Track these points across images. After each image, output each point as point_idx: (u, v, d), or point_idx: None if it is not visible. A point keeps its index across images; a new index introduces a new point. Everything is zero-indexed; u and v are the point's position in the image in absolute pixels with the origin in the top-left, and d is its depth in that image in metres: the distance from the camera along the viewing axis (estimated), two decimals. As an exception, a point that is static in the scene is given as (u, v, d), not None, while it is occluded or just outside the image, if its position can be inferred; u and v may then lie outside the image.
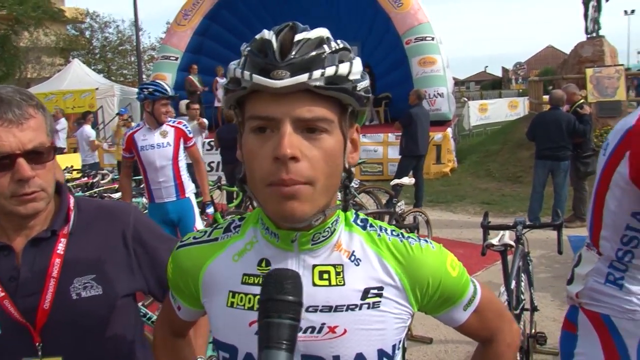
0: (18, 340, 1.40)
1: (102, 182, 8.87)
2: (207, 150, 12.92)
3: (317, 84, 0.99)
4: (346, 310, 1.10)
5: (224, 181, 8.73)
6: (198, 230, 1.28)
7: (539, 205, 8.36)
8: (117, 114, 13.87)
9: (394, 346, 1.14)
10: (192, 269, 1.21)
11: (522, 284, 3.92)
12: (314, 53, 1.00)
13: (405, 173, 8.91)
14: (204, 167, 5.45)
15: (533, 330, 4.17)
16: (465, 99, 26.27)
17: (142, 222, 1.61)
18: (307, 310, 1.07)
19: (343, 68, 1.02)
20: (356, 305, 1.11)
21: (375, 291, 1.12)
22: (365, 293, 1.12)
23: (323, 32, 1.05)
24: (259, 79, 0.99)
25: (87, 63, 29.34)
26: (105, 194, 7.62)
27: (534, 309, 4.29)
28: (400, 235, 1.19)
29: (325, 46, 1.02)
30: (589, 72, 12.63)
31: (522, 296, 3.82)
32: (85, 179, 9.13)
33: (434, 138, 12.69)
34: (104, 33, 37.25)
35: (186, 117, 10.13)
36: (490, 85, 52.38)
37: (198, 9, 17.37)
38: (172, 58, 17.31)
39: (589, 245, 2.05)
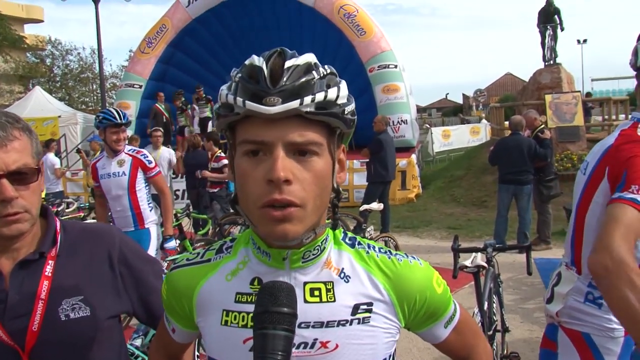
0: None
1: (67, 210, 8.73)
2: (172, 177, 12.79)
3: (308, 109, 1.03)
4: (337, 325, 1.13)
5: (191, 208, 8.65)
6: (191, 252, 1.30)
7: (504, 229, 8.51)
8: (89, 140, 13.73)
9: None
10: (186, 289, 1.23)
11: (494, 305, 3.98)
12: (303, 79, 1.04)
13: (373, 199, 8.93)
14: (169, 199, 5.30)
15: (506, 351, 4.22)
16: (428, 126, 26.65)
17: (127, 244, 1.61)
18: (299, 326, 1.09)
19: (332, 93, 1.06)
20: (347, 321, 1.14)
21: (365, 307, 1.15)
22: (355, 309, 1.15)
23: (310, 57, 1.08)
24: (252, 105, 1.02)
25: (48, 91, 28.90)
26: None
27: (505, 329, 4.35)
28: (389, 252, 1.23)
29: (314, 72, 1.06)
30: (548, 98, 13.04)
31: (494, 317, 3.88)
32: (51, 207, 8.92)
33: (399, 164, 12.83)
34: (65, 60, 36.85)
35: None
36: (451, 112, 53.28)
37: (162, 37, 17.33)
38: (135, 86, 17.19)
39: (568, 264, 2.11)
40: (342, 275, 1.17)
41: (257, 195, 1.04)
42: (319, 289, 1.15)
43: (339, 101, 1.07)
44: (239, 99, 1.03)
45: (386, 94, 15.02)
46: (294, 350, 1.08)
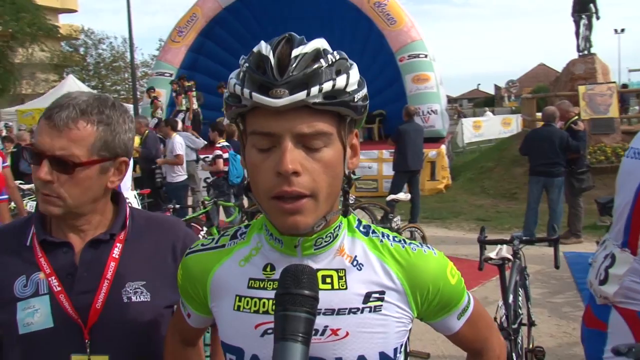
0: (69, 335, 1.43)
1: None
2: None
3: (315, 100, 1.01)
4: (348, 313, 1.13)
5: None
6: (206, 238, 1.31)
7: (534, 222, 8.37)
8: None
9: (395, 349, 1.17)
10: (201, 274, 1.24)
11: (520, 298, 3.92)
12: (311, 69, 1.02)
13: (398, 189, 8.92)
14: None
15: (531, 345, 4.16)
16: (462, 114, 26.29)
17: (191, 238, 1.63)
18: None
19: (340, 81, 1.03)
20: (358, 309, 1.13)
21: (377, 295, 1.15)
22: (367, 297, 1.14)
23: (319, 43, 1.06)
24: (258, 97, 1.01)
25: (81, 79, 29.39)
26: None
27: (531, 323, 4.28)
28: (403, 242, 1.21)
29: (322, 60, 1.03)
30: (582, 89, 12.73)
31: (519, 311, 3.81)
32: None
33: (428, 155, 12.72)
34: (98, 50, 37.41)
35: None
36: (483, 102, 52.66)
37: (193, 26, 17.45)
38: (166, 74, 17.34)
39: (621, 246, 2.13)
40: (355, 263, 1.17)
41: (267, 186, 1.04)
42: (331, 276, 1.15)
43: (349, 88, 1.05)
44: (246, 91, 1.03)
45: (416, 84, 14.90)
46: None
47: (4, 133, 16.26)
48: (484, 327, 1.35)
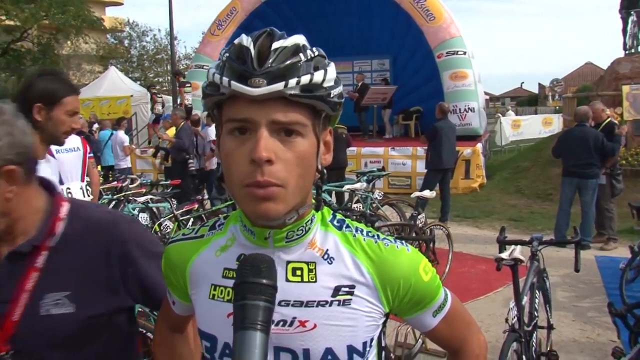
0: None
1: (130, 186, 9.06)
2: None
3: (293, 92, 1.03)
4: (317, 306, 1.14)
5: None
6: (187, 228, 1.34)
7: (566, 223, 8.17)
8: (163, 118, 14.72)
9: (364, 343, 1.17)
10: (181, 263, 1.28)
11: (537, 300, 3.84)
12: (289, 61, 1.04)
13: (430, 186, 8.82)
14: None
15: (548, 349, 4.08)
16: (510, 110, 25.68)
17: (134, 237, 1.56)
18: (279, 304, 1.11)
19: (317, 76, 1.06)
20: (327, 302, 1.14)
21: (347, 289, 1.15)
22: (337, 290, 1.15)
23: (299, 39, 1.09)
24: (237, 85, 1.03)
25: (124, 71, 29.97)
26: (132, 198, 7.78)
27: (550, 327, 4.19)
28: (376, 237, 1.22)
29: (301, 54, 1.06)
30: (626, 89, 12.36)
31: (535, 313, 3.74)
32: (115, 182, 9.33)
33: (463, 153, 12.56)
34: (142, 42, 38.09)
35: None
36: (526, 101, 51.68)
37: (232, 20, 17.61)
38: (205, 67, 17.48)
39: None
40: (326, 256, 1.17)
41: (241, 174, 1.06)
42: (301, 269, 1.16)
43: (325, 84, 1.07)
44: (225, 79, 1.05)
45: (454, 81, 14.75)
46: (273, 327, 1.10)
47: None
48: (463, 326, 1.34)
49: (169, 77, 34.87)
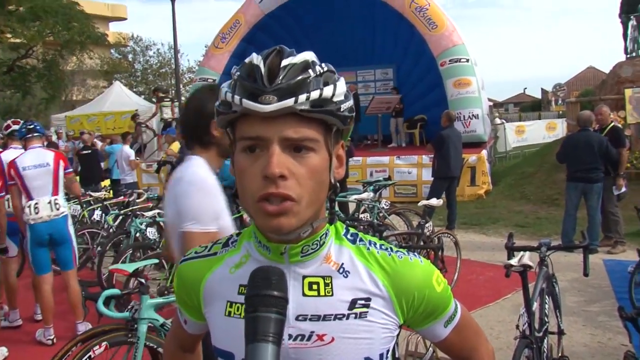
0: None
1: (137, 200, 9.08)
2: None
3: (303, 107, 1.05)
4: (334, 319, 1.15)
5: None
6: (200, 246, 1.35)
7: (572, 228, 8.18)
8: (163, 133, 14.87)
9: (381, 355, 1.19)
10: (194, 282, 1.28)
11: (547, 306, 3.85)
12: (299, 78, 1.06)
13: (437, 194, 8.82)
14: None
15: (560, 354, 4.09)
16: (504, 120, 25.84)
17: None
18: (296, 318, 1.14)
19: (327, 91, 1.08)
20: (344, 315, 1.15)
21: (363, 302, 1.17)
22: (353, 303, 1.16)
23: (308, 55, 1.10)
24: (248, 103, 1.05)
25: (129, 85, 30.09)
26: (139, 213, 7.79)
27: (560, 332, 4.20)
28: (389, 249, 1.24)
29: (310, 70, 1.08)
30: (628, 92, 12.38)
31: (545, 319, 3.76)
32: (122, 197, 9.36)
33: (468, 160, 12.57)
34: (145, 56, 38.29)
35: None
36: (529, 107, 51.55)
37: (235, 32, 17.69)
38: (209, 80, 17.58)
39: None
40: (342, 270, 1.19)
41: (254, 189, 1.07)
42: (317, 283, 1.17)
43: (335, 98, 1.09)
44: (237, 97, 1.07)
45: (457, 88, 14.79)
46: (290, 342, 1.13)
47: (53, 138, 16.81)
48: (472, 335, 1.37)
49: (173, 91, 35.13)
